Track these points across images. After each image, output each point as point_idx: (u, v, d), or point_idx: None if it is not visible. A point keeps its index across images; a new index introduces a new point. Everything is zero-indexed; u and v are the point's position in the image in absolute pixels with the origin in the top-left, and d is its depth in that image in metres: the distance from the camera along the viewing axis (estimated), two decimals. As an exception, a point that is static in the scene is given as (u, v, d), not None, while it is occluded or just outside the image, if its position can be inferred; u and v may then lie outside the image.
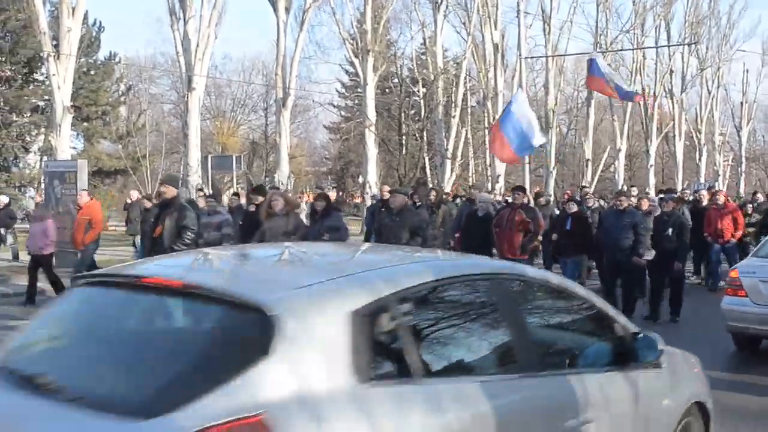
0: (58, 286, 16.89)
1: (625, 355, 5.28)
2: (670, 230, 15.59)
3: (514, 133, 23.04)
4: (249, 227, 15.21)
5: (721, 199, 20.08)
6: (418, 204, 18.85)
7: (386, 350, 4.01)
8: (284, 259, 5.28)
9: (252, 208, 16.07)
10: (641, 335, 5.41)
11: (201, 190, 20.14)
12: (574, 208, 16.88)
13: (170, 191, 12.48)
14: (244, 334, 3.77)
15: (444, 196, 23.25)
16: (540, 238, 17.20)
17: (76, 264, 17.79)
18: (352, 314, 3.86)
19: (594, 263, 19.09)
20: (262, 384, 3.51)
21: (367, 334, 3.88)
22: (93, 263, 17.63)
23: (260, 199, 15.57)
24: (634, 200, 18.62)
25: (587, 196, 21.27)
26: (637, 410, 5.27)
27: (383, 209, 16.92)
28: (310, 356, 3.69)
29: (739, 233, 19.95)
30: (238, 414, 3.37)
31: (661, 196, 20.42)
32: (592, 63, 28.86)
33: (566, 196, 22.08)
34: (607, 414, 4.96)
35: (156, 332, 4.36)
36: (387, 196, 18.58)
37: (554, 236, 17.22)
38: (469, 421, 4.02)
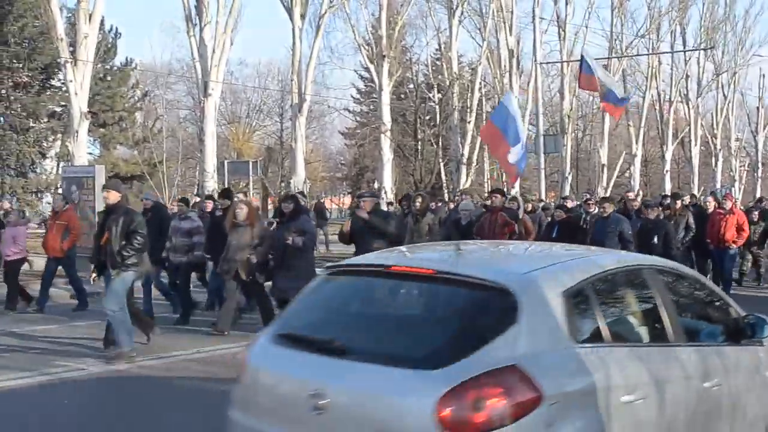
0: (10, 297, 16.42)
1: (740, 333, 6.28)
2: (656, 238, 14.98)
3: (520, 145, 22.51)
4: (214, 234, 14.78)
5: (727, 204, 19.48)
6: (407, 211, 17.99)
7: (583, 321, 5.21)
8: (498, 252, 6.97)
9: (219, 213, 15.68)
10: (751, 316, 6.35)
11: (210, 197, 19.41)
12: (562, 215, 16.45)
13: (113, 196, 11.95)
14: (496, 307, 4.95)
15: (432, 204, 21.56)
16: None
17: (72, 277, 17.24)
18: (563, 293, 5.06)
19: None
20: (511, 344, 4.70)
21: (573, 309, 5.07)
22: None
23: (227, 203, 15.29)
24: (636, 205, 19.04)
25: (588, 202, 20.44)
26: (753, 378, 6.26)
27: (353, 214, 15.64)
28: (541, 324, 4.88)
29: (741, 241, 19.26)
30: (498, 364, 4.56)
31: (647, 201, 19.68)
32: (582, 61, 28.09)
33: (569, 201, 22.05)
34: (731, 379, 5.96)
35: (419, 308, 5.74)
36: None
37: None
38: (640, 375, 5.18)
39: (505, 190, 40.20)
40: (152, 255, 13.95)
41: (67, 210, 17.36)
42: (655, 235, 14.70)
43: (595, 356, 4.97)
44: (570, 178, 47.08)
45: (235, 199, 15.46)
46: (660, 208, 17.27)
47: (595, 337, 5.17)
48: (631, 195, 22.31)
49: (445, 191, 40.26)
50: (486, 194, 28.11)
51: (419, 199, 17.45)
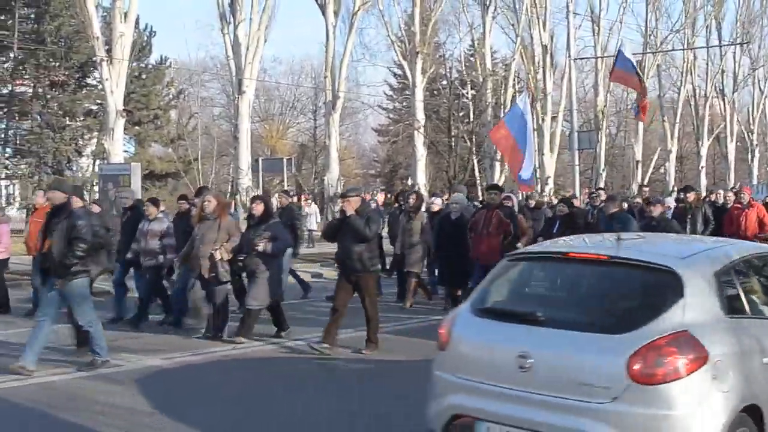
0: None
1: None
2: None
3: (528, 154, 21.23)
4: (181, 230, 14.19)
5: (745, 198, 18.16)
6: (401, 209, 17.93)
7: (729, 297, 6.33)
8: (654, 241, 8.18)
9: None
10: None
11: (183, 196, 18.16)
12: (565, 210, 15.62)
13: (57, 196, 10.91)
14: (664, 285, 6.12)
15: (425, 201, 19.65)
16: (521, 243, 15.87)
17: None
18: (714, 274, 6.28)
19: None
20: (680, 314, 5.89)
21: (721, 287, 6.26)
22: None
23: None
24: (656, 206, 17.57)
25: (593, 196, 19.71)
26: None
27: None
28: (700, 299, 6.05)
29: (763, 236, 17.81)
30: (673, 330, 5.76)
31: (650, 198, 18.60)
32: (619, 55, 26.79)
33: (585, 195, 21.61)
34: None
35: (597, 286, 6.77)
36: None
37: (540, 240, 15.05)
38: None
39: (539, 180, 40.27)
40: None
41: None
42: (660, 232, 13.18)
43: (741, 326, 6.25)
44: (604, 174, 46.86)
45: (204, 192, 14.56)
46: (661, 205, 16.47)
47: (739, 310, 6.39)
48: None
49: (479, 188, 40.16)
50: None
51: (412, 197, 17.43)
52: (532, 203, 21.44)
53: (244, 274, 13.26)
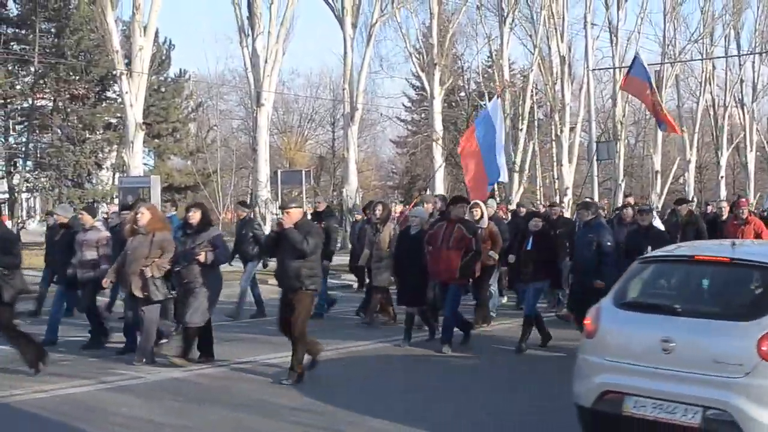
0: None
1: None
2: (650, 248, 12.20)
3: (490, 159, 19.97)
4: (116, 245, 13.52)
5: (744, 212, 17.16)
6: (367, 221, 17.19)
7: None
8: (762, 245, 10.36)
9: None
10: None
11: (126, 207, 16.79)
12: (539, 224, 13.94)
13: None
14: None
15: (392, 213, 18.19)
16: (495, 255, 15.44)
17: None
18: None
19: (565, 292, 16.59)
20: None
21: None
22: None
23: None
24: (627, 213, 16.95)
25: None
26: None
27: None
28: None
29: None
30: None
31: (641, 207, 16.69)
32: (635, 61, 25.75)
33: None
34: None
35: (721, 283, 8.00)
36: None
37: (510, 258, 14.76)
38: None
39: (558, 192, 40.23)
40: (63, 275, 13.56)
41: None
42: (648, 245, 12.32)
43: None
44: (623, 185, 46.71)
45: (139, 203, 13.79)
46: (649, 214, 14.95)
47: None
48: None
49: (497, 199, 40.14)
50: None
51: (379, 208, 16.45)
52: (522, 211, 19.89)
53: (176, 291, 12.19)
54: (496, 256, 15.54)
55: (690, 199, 30.53)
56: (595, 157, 35.93)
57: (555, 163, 45.08)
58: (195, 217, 12.01)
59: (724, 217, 18.03)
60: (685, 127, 52.97)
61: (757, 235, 16.42)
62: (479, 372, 12.32)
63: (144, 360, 11.86)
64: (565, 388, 8.25)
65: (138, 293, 11.91)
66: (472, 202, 15.89)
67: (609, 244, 13.52)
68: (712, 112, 56.29)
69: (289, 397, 10.18)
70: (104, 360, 12.41)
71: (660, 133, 50.01)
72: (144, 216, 12.04)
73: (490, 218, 16.12)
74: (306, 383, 10.82)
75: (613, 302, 8.08)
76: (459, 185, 48.35)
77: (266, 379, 11.16)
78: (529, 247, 13.82)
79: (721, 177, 56.62)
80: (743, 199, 20.11)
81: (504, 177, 21.76)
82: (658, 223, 16.77)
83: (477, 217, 15.15)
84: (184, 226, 12.47)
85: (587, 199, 21.43)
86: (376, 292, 16.14)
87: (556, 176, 44.79)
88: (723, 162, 56.58)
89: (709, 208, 21.14)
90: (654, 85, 26.03)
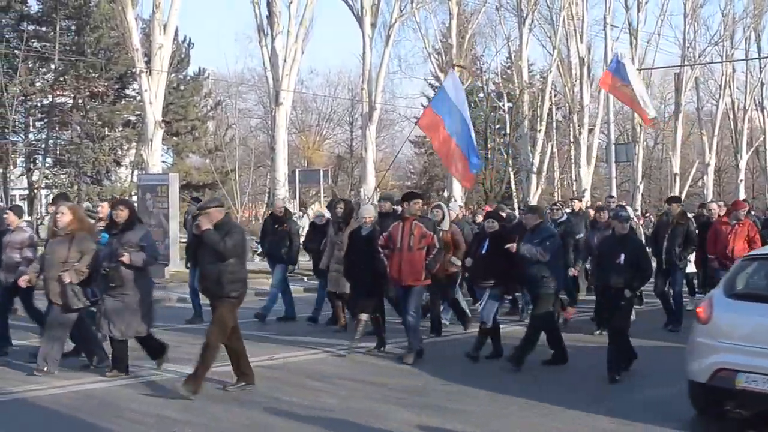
0: None
1: None
2: (623, 257, 11.39)
3: (468, 144, 18.60)
4: (322, 239, 14.35)
5: (740, 214, 16.11)
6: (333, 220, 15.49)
7: None
8: None
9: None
10: None
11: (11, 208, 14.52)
12: (494, 226, 12.70)
13: None
14: None
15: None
16: (458, 262, 14.46)
17: None
18: None
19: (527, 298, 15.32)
20: None
21: None
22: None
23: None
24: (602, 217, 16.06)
25: (554, 206, 16.97)
26: None
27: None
28: None
29: None
30: None
31: (617, 211, 14.40)
32: (615, 59, 24.97)
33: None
34: None
35: None
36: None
37: (468, 262, 13.68)
38: None
39: (576, 193, 40.06)
40: None
41: None
42: (622, 253, 11.35)
43: None
44: (641, 187, 46.61)
45: (59, 203, 12.42)
46: (627, 222, 12.45)
47: None
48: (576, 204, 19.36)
49: (515, 200, 40.09)
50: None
51: (341, 205, 15.19)
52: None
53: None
54: (459, 262, 14.55)
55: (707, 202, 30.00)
56: (613, 159, 35.82)
57: (573, 165, 44.99)
58: (121, 215, 10.84)
59: (713, 219, 17.02)
60: (705, 130, 52.81)
61: (749, 240, 15.54)
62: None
63: (46, 369, 10.80)
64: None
65: (56, 300, 10.93)
66: (434, 204, 15.50)
67: (534, 250, 11.95)
68: (731, 115, 56.06)
69: (303, 395, 10.19)
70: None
71: (679, 136, 49.96)
72: (64, 216, 11.04)
73: (453, 222, 15.33)
74: (319, 382, 10.85)
75: (723, 293, 9.24)
76: (476, 186, 48.31)
77: (278, 377, 11.17)
78: (483, 251, 12.77)
79: (741, 180, 56.38)
80: (739, 201, 19.82)
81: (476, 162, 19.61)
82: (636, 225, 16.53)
83: (438, 219, 14.20)
84: (110, 226, 11.29)
85: (531, 203, 20.76)
86: (337, 298, 15.05)
87: (574, 178, 44.70)
88: (742, 165, 56.33)
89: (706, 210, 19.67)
90: (630, 81, 24.90)
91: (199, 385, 9.86)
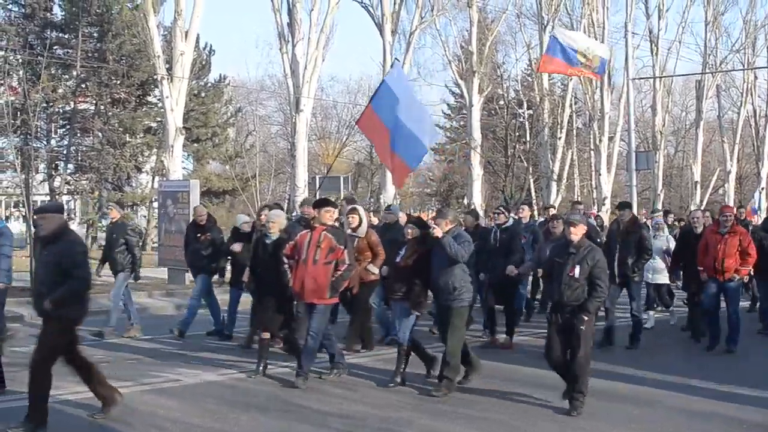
0: None
1: None
2: (577, 269, 10.07)
3: (404, 141, 16.94)
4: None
5: (729, 221, 14.41)
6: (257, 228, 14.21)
7: None
8: None
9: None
10: None
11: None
12: (415, 232, 11.48)
13: None
14: None
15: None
16: (375, 270, 13.34)
17: None
18: None
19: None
20: None
21: None
22: None
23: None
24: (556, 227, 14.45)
25: (497, 211, 15.34)
26: None
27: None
28: None
29: (747, 268, 14.52)
30: None
31: (569, 216, 12.23)
32: (551, 41, 23.30)
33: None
34: None
35: None
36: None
37: (384, 270, 12.84)
38: None
39: (596, 201, 40.04)
40: None
41: None
42: (577, 263, 10.11)
43: None
44: (662, 195, 46.45)
45: None
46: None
47: None
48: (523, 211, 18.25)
49: (535, 208, 40.05)
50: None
51: (265, 212, 13.91)
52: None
53: None
54: (376, 270, 13.41)
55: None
56: (634, 167, 35.67)
57: (593, 172, 44.86)
58: (48, 226, 9.25)
59: (699, 230, 15.40)
60: (726, 138, 52.60)
61: (742, 250, 14.21)
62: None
63: None
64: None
65: None
66: (350, 208, 14.09)
67: (467, 242, 10.91)
68: (753, 123, 55.86)
69: (325, 401, 10.23)
70: (142, 362, 12.53)
71: (700, 144, 49.80)
72: None
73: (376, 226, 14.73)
74: (318, 392, 10.87)
75: None
76: (496, 194, 48.26)
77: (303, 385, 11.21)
78: (398, 259, 11.54)
79: (762, 188, 56.04)
80: (727, 206, 18.41)
81: (427, 143, 18.16)
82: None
83: (354, 225, 13.32)
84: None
85: (472, 207, 19.95)
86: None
87: (594, 185, 44.58)
88: (764, 173, 55.96)
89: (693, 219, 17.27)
90: (579, 62, 22.95)
91: (34, 416, 8.77)
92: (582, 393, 9.98)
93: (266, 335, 11.79)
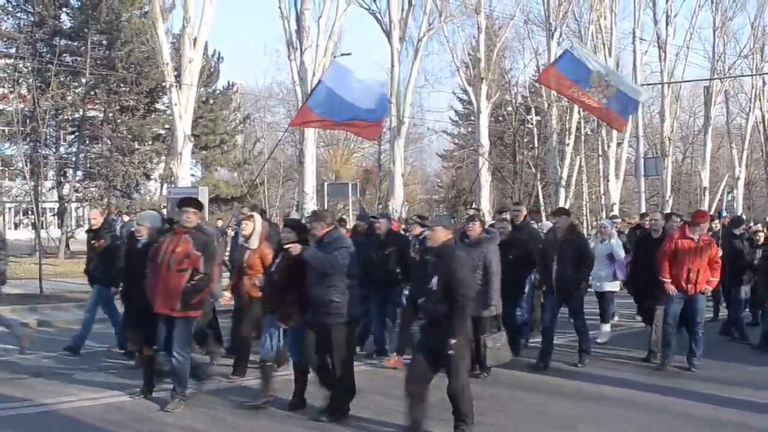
0: None
1: None
2: (434, 280, 8.74)
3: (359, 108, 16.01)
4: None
5: (701, 227, 12.91)
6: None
7: None
8: None
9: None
10: None
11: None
12: (290, 237, 10.04)
13: None
14: None
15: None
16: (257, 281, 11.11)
17: None
18: None
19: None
20: None
21: None
22: None
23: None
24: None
25: (413, 219, 14.50)
26: None
27: None
28: None
29: (715, 280, 13.29)
30: None
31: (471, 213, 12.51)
32: (564, 55, 19.93)
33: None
34: None
35: None
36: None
37: (258, 281, 10.82)
38: None
39: (605, 207, 40.02)
40: None
41: None
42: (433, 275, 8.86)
43: None
44: (670, 201, 46.38)
45: None
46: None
47: None
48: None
49: (543, 214, 40.02)
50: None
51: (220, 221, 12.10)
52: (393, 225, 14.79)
53: None
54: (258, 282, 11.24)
55: (740, 215, 29.21)
56: (642, 173, 35.69)
57: (602, 179, 44.85)
58: None
59: (658, 235, 13.71)
60: (734, 144, 52.50)
61: (711, 258, 12.84)
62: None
63: None
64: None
65: None
66: (247, 214, 12.28)
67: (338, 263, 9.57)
68: (761, 128, 55.77)
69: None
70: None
71: (708, 150, 49.70)
72: None
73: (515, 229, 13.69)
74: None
75: None
76: (504, 200, 48.23)
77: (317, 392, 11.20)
78: (273, 268, 10.35)
79: (730, 192, 56.03)
80: (703, 211, 16.83)
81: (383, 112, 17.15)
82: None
83: (246, 233, 11.59)
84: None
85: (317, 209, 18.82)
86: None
87: (602, 191, 44.56)
88: (772, 179, 55.98)
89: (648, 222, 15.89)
90: (589, 85, 21.08)
91: None
92: (464, 422, 8.75)
93: (148, 351, 10.58)
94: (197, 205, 10.30)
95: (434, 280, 8.61)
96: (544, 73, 22.77)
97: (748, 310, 17.12)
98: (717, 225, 18.87)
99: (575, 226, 13.50)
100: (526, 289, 14.25)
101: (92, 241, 13.74)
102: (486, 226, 12.90)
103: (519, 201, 37.78)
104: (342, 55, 38.04)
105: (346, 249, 9.63)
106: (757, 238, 16.33)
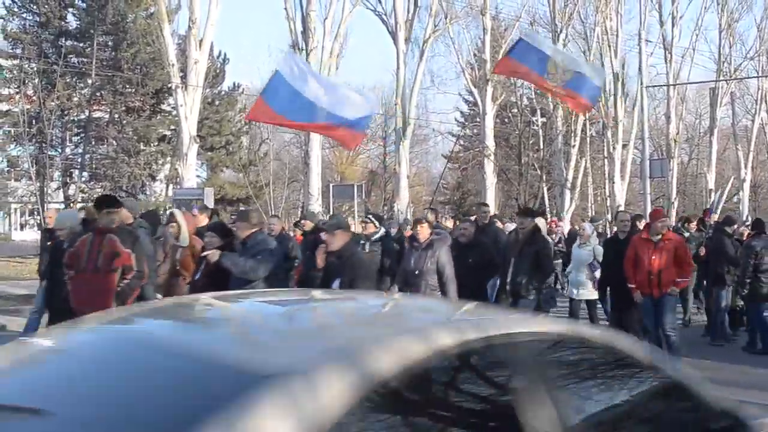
0: None
1: None
2: (336, 284, 8.75)
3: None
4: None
5: (663, 227, 12.34)
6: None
7: None
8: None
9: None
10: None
11: None
12: (214, 242, 9.45)
13: None
14: None
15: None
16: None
17: None
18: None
19: None
20: None
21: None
22: None
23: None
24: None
25: (366, 219, 13.70)
26: None
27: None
28: None
29: (686, 280, 13.08)
30: None
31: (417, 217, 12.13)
32: (518, 44, 18.73)
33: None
34: None
35: None
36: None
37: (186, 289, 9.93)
38: None
39: (610, 209, 39.96)
40: None
41: None
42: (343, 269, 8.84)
43: None
44: (676, 203, 46.35)
45: None
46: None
47: None
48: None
49: (549, 216, 40.01)
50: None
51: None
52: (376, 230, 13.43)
53: None
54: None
55: (745, 218, 29.38)
56: (648, 175, 35.61)
57: (607, 180, 44.80)
58: None
59: (623, 236, 13.17)
60: (740, 146, 52.46)
61: (680, 260, 12.23)
62: None
63: None
64: None
65: None
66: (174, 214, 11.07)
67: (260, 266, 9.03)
68: (767, 131, 55.71)
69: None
70: None
71: (714, 152, 49.66)
72: None
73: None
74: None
75: None
76: (510, 201, 48.19)
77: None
78: (198, 275, 9.60)
79: (719, 192, 56.01)
80: (659, 209, 16.30)
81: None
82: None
83: (174, 233, 10.50)
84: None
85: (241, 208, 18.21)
86: None
87: (608, 193, 44.52)
88: (778, 180, 55.95)
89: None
90: (546, 71, 17.96)
91: None
92: None
93: None
94: (114, 203, 9.78)
95: (336, 282, 8.37)
96: (499, 63, 22.44)
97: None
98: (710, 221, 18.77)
99: (538, 229, 12.24)
100: (488, 295, 12.52)
101: (48, 242, 12.79)
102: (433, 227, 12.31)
103: (525, 203, 37.80)
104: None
105: (269, 253, 9.11)
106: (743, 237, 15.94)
